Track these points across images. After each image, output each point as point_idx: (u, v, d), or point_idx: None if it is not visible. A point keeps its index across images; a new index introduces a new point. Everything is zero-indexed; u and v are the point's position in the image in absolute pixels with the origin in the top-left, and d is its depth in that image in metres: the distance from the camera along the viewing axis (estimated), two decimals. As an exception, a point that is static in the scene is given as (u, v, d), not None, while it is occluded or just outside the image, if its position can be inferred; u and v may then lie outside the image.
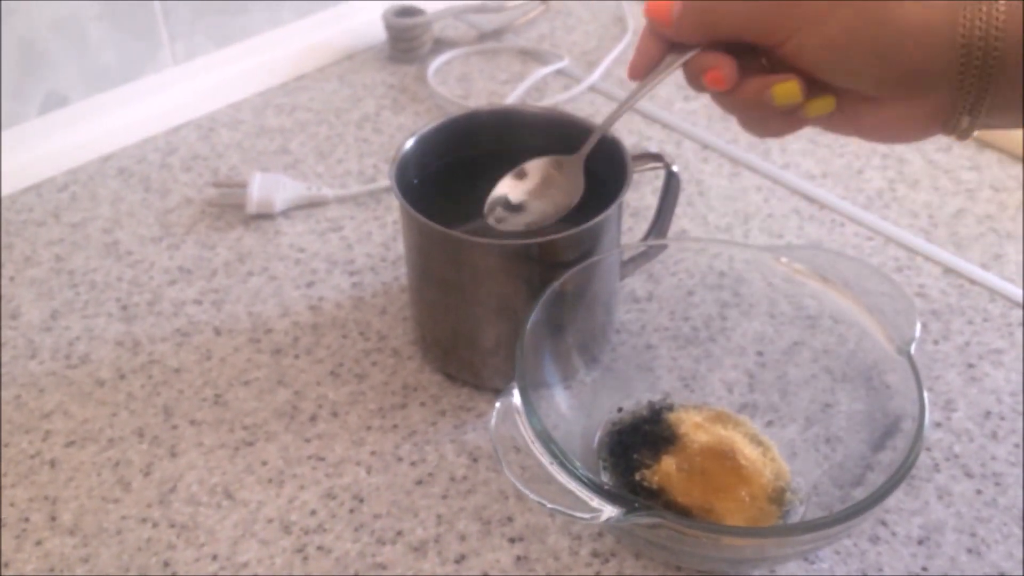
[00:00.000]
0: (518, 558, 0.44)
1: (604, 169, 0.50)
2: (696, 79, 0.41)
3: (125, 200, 0.66)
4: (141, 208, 0.65)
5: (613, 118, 0.45)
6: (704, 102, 0.74)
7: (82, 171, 0.68)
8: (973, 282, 0.58)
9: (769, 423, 0.49)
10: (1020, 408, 0.51)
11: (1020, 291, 0.57)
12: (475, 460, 0.49)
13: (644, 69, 0.42)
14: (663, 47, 0.41)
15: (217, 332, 0.56)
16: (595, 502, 0.37)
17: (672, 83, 0.76)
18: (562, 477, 0.38)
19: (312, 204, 0.65)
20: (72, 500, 0.47)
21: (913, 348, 0.43)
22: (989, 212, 0.64)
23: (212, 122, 0.73)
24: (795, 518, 0.44)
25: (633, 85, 0.43)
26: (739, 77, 0.39)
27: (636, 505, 0.37)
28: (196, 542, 0.45)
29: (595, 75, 0.76)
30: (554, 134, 0.53)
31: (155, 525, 0.46)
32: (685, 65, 0.41)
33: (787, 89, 0.38)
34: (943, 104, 0.36)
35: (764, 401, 0.49)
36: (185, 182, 0.67)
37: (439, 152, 0.52)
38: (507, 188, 0.46)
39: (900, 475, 0.37)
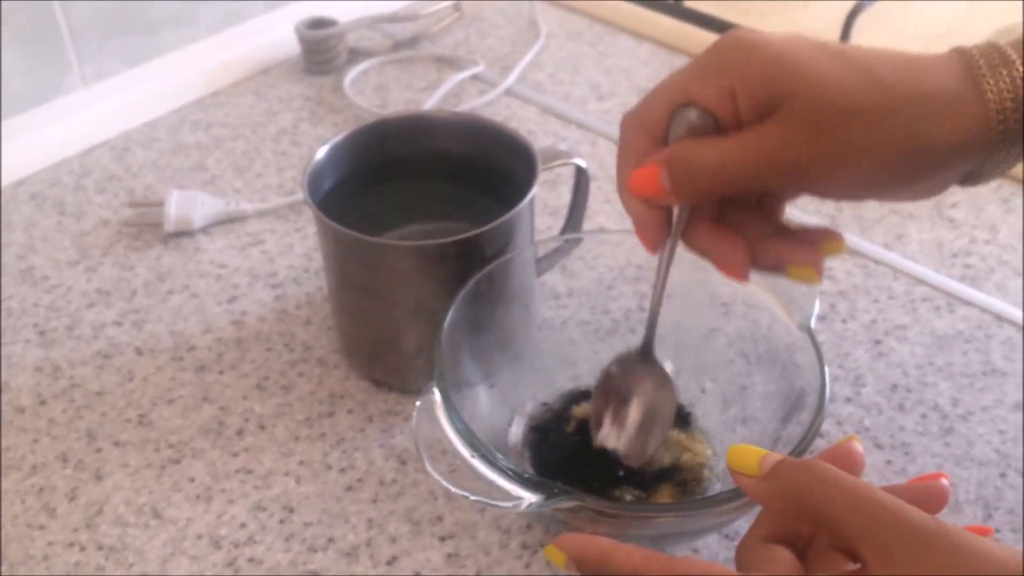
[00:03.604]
0: (449, 555, 0.45)
1: (514, 168, 0.51)
2: (703, 251, 0.38)
3: (39, 225, 0.65)
4: (56, 232, 0.64)
5: (656, 300, 0.42)
6: (619, 101, 0.76)
7: (-7, 198, 0.67)
8: (877, 262, 0.61)
9: (688, 406, 0.50)
10: (925, 380, 0.53)
11: (921, 268, 0.60)
12: (404, 463, 0.49)
13: (658, 239, 0.38)
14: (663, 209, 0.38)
15: (139, 352, 0.56)
16: (516, 491, 0.38)
17: (585, 83, 0.78)
18: (483, 469, 0.38)
19: (231, 219, 0.65)
20: (-5, 530, 0.46)
21: (813, 323, 0.45)
22: (891, 194, 0.66)
23: (126, 142, 0.72)
24: (714, 496, 0.45)
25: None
26: (749, 247, 0.37)
27: (555, 490, 0.38)
28: (125, 563, 0.45)
29: (510, 79, 0.77)
30: (464, 137, 0.54)
31: (83, 549, 0.46)
32: (688, 237, 0.38)
33: (804, 274, 0.37)
34: (966, 172, 0.35)
35: (683, 386, 0.51)
36: (100, 203, 0.66)
37: (352, 160, 0.53)
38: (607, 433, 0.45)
39: (803, 446, 0.39)
